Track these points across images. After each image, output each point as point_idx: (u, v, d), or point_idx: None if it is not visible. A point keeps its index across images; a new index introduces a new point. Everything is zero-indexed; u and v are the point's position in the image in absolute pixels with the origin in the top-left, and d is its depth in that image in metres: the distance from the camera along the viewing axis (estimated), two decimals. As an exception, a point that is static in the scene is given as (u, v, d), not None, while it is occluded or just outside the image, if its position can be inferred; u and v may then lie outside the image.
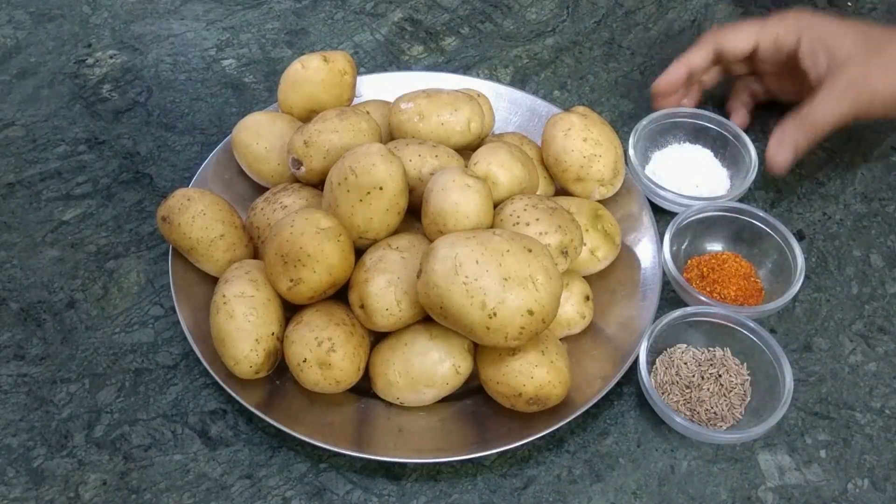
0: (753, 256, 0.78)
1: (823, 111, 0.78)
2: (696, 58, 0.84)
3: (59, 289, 0.78)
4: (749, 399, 0.71)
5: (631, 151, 0.82)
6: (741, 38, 0.83)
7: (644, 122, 0.84)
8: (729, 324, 0.72)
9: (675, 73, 0.85)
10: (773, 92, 0.88)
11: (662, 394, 0.71)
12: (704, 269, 0.77)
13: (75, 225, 0.82)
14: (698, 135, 0.86)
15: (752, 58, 0.84)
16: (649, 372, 0.70)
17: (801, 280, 0.74)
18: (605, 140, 0.77)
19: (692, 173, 0.84)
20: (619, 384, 0.70)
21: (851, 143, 0.89)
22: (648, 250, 0.77)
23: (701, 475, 0.68)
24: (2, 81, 0.94)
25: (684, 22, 1.03)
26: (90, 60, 0.97)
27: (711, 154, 0.86)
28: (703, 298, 0.73)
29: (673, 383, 0.71)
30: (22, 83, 0.94)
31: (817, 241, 0.82)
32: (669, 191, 0.81)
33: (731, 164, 0.85)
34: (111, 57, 0.97)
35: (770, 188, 0.85)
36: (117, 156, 0.88)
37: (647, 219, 0.79)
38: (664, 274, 0.75)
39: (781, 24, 0.82)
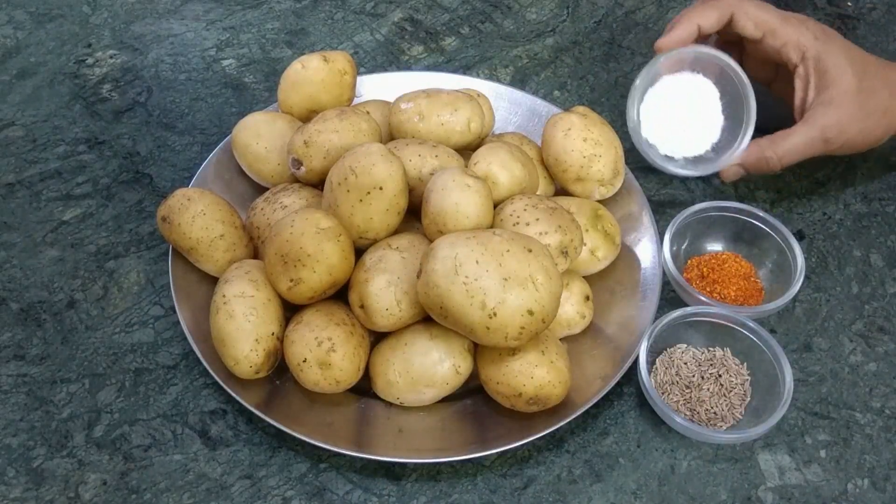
0: (753, 256, 0.78)
1: (792, 148, 0.78)
2: (709, 19, 0.77)
3: (59, 289, 0.78)
4: (749, 399, 0.71)
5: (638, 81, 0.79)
6: (757, 23, 0.78)
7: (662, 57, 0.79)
8: (729, 324, 0.72)
9: (682, 33, 0.78)
10: (746, 70, 0.82)
11: (662, 394, 0.71)
12: (704, 269, 0.77)
13: (75, 225, 0.82)
14: (709, 70, 0.80)
15: (751, 39, 0.80)
16: (649, 372, 0.70)
17: (801, 280, 0.74)
18: (605, 140, 0.77)
19: (691, 103, 0.81)
20: (619, 384, 0.70)
21: (851, 143, 0.89)
22: (648, 250, 0.77)
23: (701, 475, 0.68)
24: (2, 81, 0.94)
25: (684, 22, 1.03)
26: (90, 60, 0.97)
27: (719, 94, 0.81)
28: (703, 298, 0.73)
29: (673, 383, 0.71)
30: (22, 83, 0.94)
31: (817, 241, 0.82)
32: (658, 148, 0.79)
33: (730, 109, 0.80)
34: (111, 57, 0.97)
35: (770, 188, 0.85)
36: (117, 156, 0.88)
37: (647, 219, 0.79)
38: (664, 274, 0.75)
39: (796, 32, 0.78)
